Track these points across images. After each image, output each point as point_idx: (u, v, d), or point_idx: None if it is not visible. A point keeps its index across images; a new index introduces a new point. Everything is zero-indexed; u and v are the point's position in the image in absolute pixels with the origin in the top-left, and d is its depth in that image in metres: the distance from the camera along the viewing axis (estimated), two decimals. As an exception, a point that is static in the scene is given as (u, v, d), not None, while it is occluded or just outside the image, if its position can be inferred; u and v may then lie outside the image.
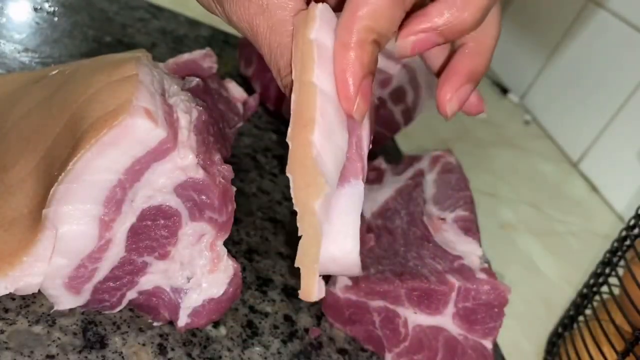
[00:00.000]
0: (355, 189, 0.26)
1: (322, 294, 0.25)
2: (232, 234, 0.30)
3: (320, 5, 0.26)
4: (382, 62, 0.49)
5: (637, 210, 0.42)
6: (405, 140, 0.65)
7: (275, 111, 0.56)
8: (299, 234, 0.24)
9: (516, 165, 0.82)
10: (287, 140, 0.25)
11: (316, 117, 0.24)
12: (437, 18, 0.27)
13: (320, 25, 0.25)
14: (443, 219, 0.38)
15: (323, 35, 0.25)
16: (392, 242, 0.39)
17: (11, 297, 0.28)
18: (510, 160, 0.82)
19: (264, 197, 0.45)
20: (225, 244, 0.30)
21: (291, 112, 0.25)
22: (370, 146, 0.27)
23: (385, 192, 0.44)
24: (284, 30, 0.26)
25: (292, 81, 0.26)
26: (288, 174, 0.24)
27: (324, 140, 0.24)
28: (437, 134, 0.76)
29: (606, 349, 0.39)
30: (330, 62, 0.25)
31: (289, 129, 0.25)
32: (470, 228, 0.38)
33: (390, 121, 0.55)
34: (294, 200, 0.24)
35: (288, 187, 0.25)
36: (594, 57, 0.90)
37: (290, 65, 0.26)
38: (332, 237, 0.25)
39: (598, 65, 0.88)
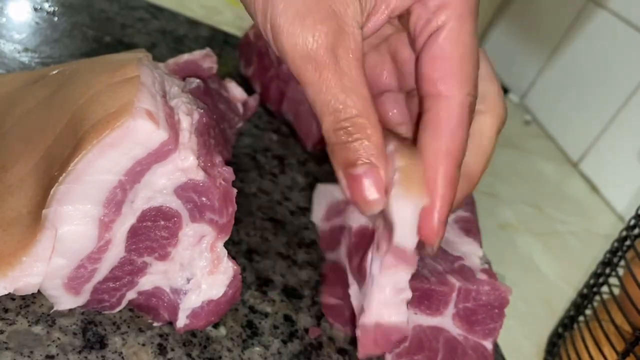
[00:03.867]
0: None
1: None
2: (232, 234, 0.30)
3: None
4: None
5: (637, 210, 0.42)
6: (406, 140, 0.65)
7: (275, 111, 0.56)
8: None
9: (516, 165, 0.82)
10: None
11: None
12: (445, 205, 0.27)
13: None
14: None
15: None
16: (392, 242, 0.39)
17: (11, 297, 0.28)
18: (511, 160, 0.82)
19: (264, 197, 0.45)
20: (225, 244, 0.30)
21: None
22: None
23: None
24: None
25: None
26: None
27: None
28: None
29: (606, 349, 0.39)
30: None
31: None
32: (471, 229, 0.38)
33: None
34: None
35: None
36: (594, 57, 0.90)
37: None
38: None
39: (598, 65, 0.88)
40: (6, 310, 0.28)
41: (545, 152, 0.89)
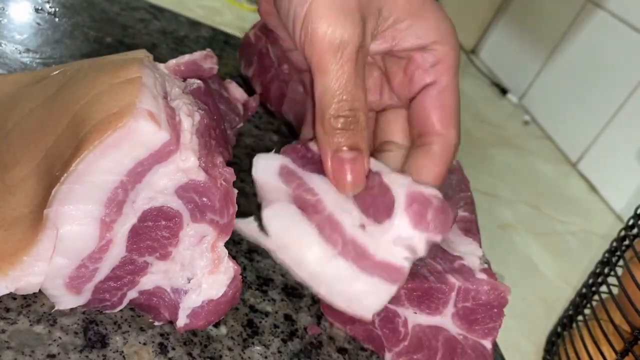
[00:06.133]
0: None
1: None
2: (232, 234, 0.30)
3: None
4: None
5: (635, 210, 0.42)
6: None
7: (275, 111, 0.56)
8: None
9: (515, 165, 0.82)
10: None
11: None
12: None
13: None
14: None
15: None
16: (392, 242, 0.39)
17: (12, 296, 0.29)
18: (510, 160, 0.83)
19: (264, 197, 0.45)
20: (226, 244, 0.30)
21: None
22: None
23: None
24: None
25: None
26: None
27: None
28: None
29: (605, 348, 0.40)
30: None
31: None
32: (471, 229, 0.38)
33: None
34: None
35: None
36: (593, 58, 0.90)
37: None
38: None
39: (597, 65, 0.89)
40: (7, 310, 0.28)
41: (544, 152, 0.89)
